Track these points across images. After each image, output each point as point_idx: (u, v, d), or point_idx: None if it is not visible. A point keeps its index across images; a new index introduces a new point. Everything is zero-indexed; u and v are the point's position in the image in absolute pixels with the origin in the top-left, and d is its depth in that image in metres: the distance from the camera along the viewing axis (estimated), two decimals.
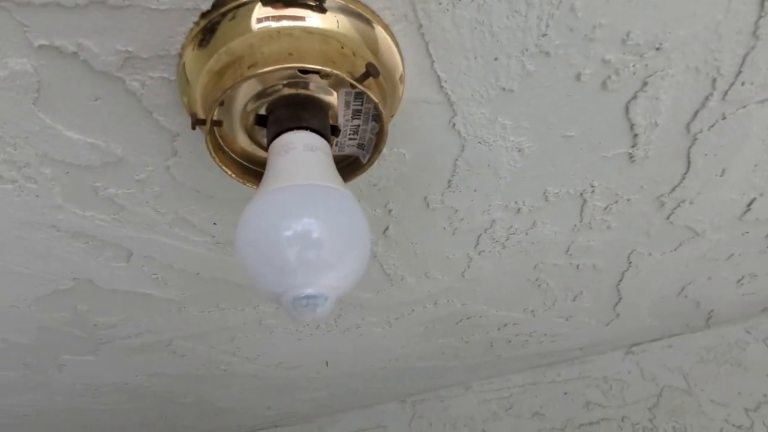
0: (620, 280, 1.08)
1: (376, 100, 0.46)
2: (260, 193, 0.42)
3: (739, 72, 0.59)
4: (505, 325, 1.22)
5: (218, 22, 0.45)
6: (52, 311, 0.88)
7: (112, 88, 0.51)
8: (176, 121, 0.55)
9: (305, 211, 0.40)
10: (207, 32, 0.45)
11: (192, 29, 0.46)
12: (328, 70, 0.43)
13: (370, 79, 0.46)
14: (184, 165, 0.61)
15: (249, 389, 1.39)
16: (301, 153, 0.44)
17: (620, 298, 1.17)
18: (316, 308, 0.39)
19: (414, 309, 1.07)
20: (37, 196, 0.63)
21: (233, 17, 0.45)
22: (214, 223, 0.72)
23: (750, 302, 1.30)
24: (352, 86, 0.45)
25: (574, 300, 1.14)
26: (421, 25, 0.49)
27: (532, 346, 1.39)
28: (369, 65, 0.44)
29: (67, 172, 0.60)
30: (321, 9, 0.44)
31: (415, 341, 1.24)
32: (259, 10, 0.44)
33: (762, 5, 0.51)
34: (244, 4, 0.44)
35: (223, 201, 0.69)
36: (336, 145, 0.53)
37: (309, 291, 0.39)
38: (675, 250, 0.98)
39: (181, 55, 0.48)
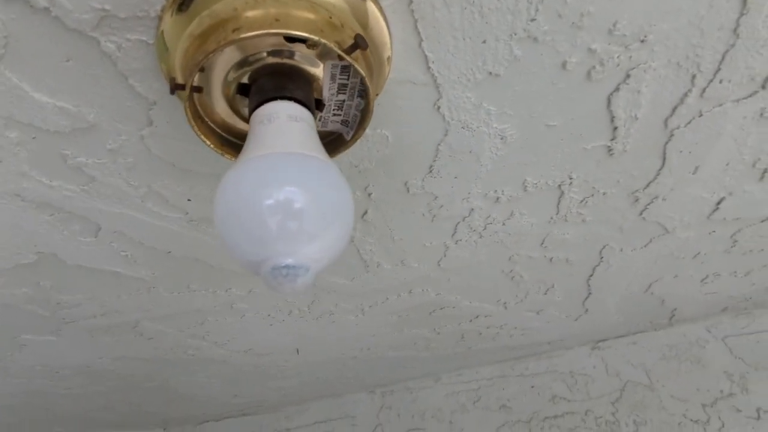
0: (591, 275, 1.10)
1: (363, 74, 0.45)
2: (241, 160, 0.41)
3: (718, 69, 0.60)
4: (477, 316, 1.23)
5: None
6: (12, 287, 0.84)
7: (85, 49, 0.49)
8: (153, 87, 0.53)
9: (288, 179, 0.39)
10: (183, 4, 0.44)
11: None
12: (316, 38, 0.42)
13: (358, 52, 0.45)
14: (159, 135, 0.59)
15: (217, 375, 1.37)
16: (285, 122, 0.43)
17: (590, 293, 1.19)
18: (296, 279, 0.38)
19: (388, 297, 1.07)
20: (0, 161, 0.60)
21: None
22: (189, 199, 0.70)
23: (712, 301, 1.34)
24: (340, 58, 0.44)
25: (545, 294, 1.15)
26: (411, 1, 0.48)
27: (502, 339, 1.41)
28: (358, 36, 0.43)
29: (33, 137, 0.57)
30: None
31: (387, 330, 1.24)
32: None
33: (744, 2, 0.52)
34: None
35: (199, 175, 0.67)
36: (320, 119, 0.52)
37: (289, 261, 0.38)
38: (645, 246, 1.00)
39: (160, 18, 0.46)
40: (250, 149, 0.41)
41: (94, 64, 0.50)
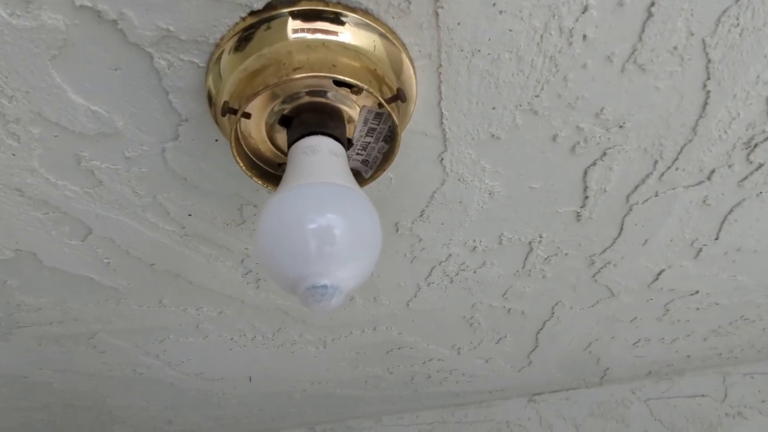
0: (541, 329, 1.18)
1: (397, 123, 0.51)
2: (288, 186, 0.45)
3: (676, 158, 0.71)
4: (431, 359, 1.27)
5: (254, 32, 0.48)
6: None
7: (136, 61, 0.52)
8: (189, 106, 0.57)
9: (331, 207, 0.44)
10: (242, 40, 0.48)
11: (237, 23, 0.49)
12: (364, 87, 0.47)
13: (396, 103, 0.51)
14: (181, 150, 0.62)
15: (157, 398, 1.32)
16: (326, 156, 0.47)
17: (536, 346, 1.27)
18: (331, 298, 0.41)
19: (352, 332, 1.09)
20: (13, 155, 0.60)
21: (268, 27, 0.48)
22: (189, 214, 0.72)
23: (639, 364, 1.46)
24: (379, 105, 0.50)
25: (497, 342, 1.22)
26: (440, 65, 0.55)
27: (449, 385, 1.45)
28: (399, 90, 0.49)
29: (55, 135, 0.58)
30: (340, 22, 0.48)
31: (343, 366, 1.25)
32: (292, 22, 0.48)
33: (704, 107, 0.63)
34: (275, 17, 0.48)
35: (205, 193, 0.69)
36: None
37: (325, 281, 0.42)
38: (592, 306, 1.10)
39: (219, 46, 0.50)
40: (296, 176, 0.45)
41: (140, 76, 0.53)
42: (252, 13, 0.48)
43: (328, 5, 0.48)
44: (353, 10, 0.49)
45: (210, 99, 0.53)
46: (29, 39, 0.49)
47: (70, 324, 0.94)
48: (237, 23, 0.49)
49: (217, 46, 0.50)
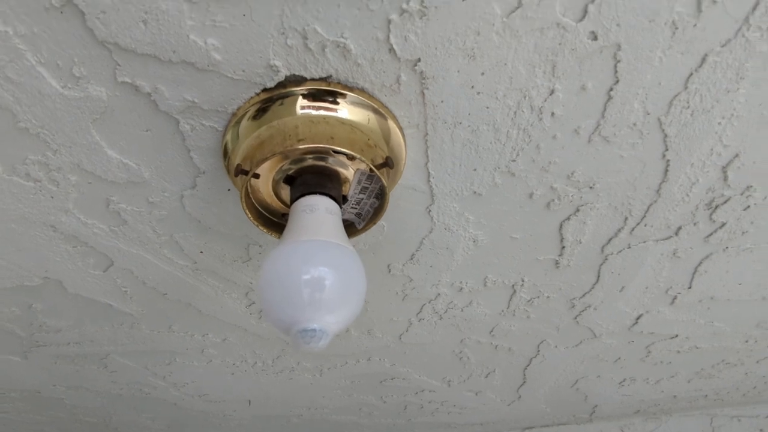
0: (528, 365, 1.23)
1: (386, 185, 0.59)
2: (288, 241, 0.53)
3: (644, 216, 0.78)
4: (423, 390, 1.33)
5: (270, 105, 0.57)
6: (3, 305, 0.88)
7: (165, 125, 0.60)
8: (207, 161, 0.65)
9: (323, 261, 0.51)
10: (260, 111, 0.57)
11: (252, 97, 0.57)
12: (358, 156, 0.56)
13: (385, 169, 0.59)
14: (197, 197, 0.70)
15: (161, 417, 1.38)
16: (323, 214, 0.55)
17: (524, 381, 1.32)
18: (319, 340, 0.49)
19: (347, 361, 1.16)
20: (51, 197, 0.68)
21: (281, 103, 0.57)
22: (201, 252, 0.80)
23: (627, 403, 1.50)
24: (371, 170, 0.58)
25: (486, 377, 1.28)
26: (426, 134, 0.63)
27: (441, 416, 1.50)
28: (388, 158, 0.57)
29: (89, 183, 0.67)
30: (341, 105, 0.57)
31: (338, 393, 1.31)
32: (301, 101, 0.57)
33: (665, 173, 0.71)
34: (288, 95, 0.56)
35: (217, 234, 0.77)
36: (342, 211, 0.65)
37: (315, 325, 0.49)
38: (576, 346, 1.16)
39: (235, 114, 0.59)
40: (295, 232, 0.53)
41: (167, 137, 0.62)
42: (265, 90, 0.57)
43: (329, 85, 0.57)
44: (351, 89, 0.57)
45: (226, 156, 0.62)
46: (76, 106, 0.57)
47: (86, 345, 1.01)
48: (252, 97, 0.57)
49: (234, 114, 0.59)
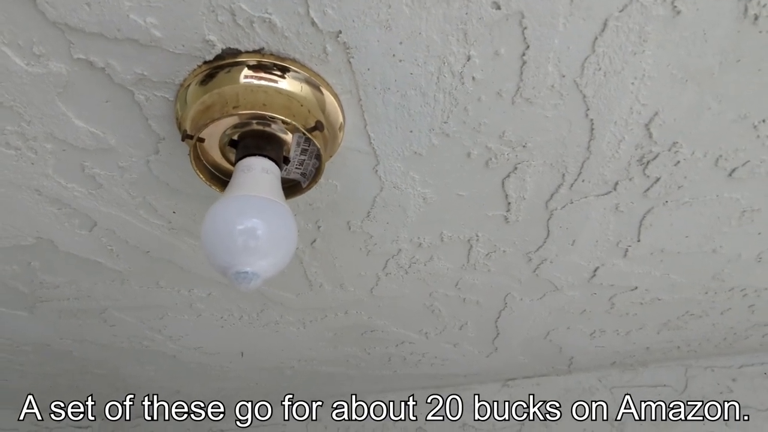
0: (498, 318, 1.31)
1: (319, 146, 0.65)
2: (225, 196, 0.60)
3: (580, 172, 0.83)
4: (403, 342, 1.42)
5: (217, 72, 0.63)
6: (4, 263, 0.99)
7: (122, 96, 0.67)
8: (165, 128, 0.72)
9: (255, 214, 0.58)
10: (208, 76, 0.63)
11: (195, 70, 0.64)
12: (289, 120, 0.62)
13: (317, 132, 0.65)
14: (161, 162, 0.77)
15: (163, 370, 1.50)
16: (258, 173, 0.62)
17: (498, 334, 1.40)
18: (250, 282, 0.56)
19: (327, 315, 1.25)
20: (32, 163, 0.76)
21: (228, 71, 0.63)
22: (174, 212, 0.88)
23: (602, 354, 1.57)
24: (304, 133, 0.64)
25: (460, 329, 1.36)
26: (360, 99, 0.69)
27: (424, 367, 1.60)
28: (318, 122, 0.64)
29: (64, 150, 0.75)
30: (283, 77, 0.63)
31: (323, 345, 1.41)
32: (246, 71, 0.63)
33: (591, 131, 0.75)
34: (236, 64, 0.63)
35: (185, 195, 0.85)
36: (285, 170, 0.72)
37: (248, 269, 0.57)
38: (540, 299, 1.22)
39: (182, 85, 0.65)
40: (234, 189, 0.60)
41: (125, 107, 0.69)
42: (205, 62, 0.63)
43: (263, 56, 0.63)
44: (283, 59, 0.63)
45: (178, 123, 0.69)
46: (41, 81, 0.65)
47: (84, 300, 1.12)
48: (194, 69, 0.64)
49: (181, 85, 0.65)
